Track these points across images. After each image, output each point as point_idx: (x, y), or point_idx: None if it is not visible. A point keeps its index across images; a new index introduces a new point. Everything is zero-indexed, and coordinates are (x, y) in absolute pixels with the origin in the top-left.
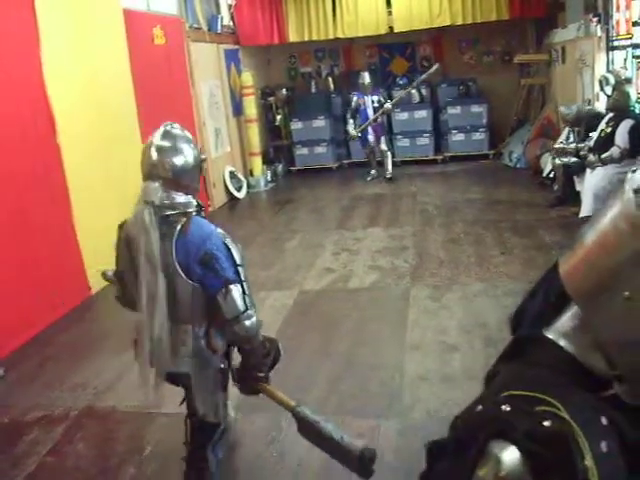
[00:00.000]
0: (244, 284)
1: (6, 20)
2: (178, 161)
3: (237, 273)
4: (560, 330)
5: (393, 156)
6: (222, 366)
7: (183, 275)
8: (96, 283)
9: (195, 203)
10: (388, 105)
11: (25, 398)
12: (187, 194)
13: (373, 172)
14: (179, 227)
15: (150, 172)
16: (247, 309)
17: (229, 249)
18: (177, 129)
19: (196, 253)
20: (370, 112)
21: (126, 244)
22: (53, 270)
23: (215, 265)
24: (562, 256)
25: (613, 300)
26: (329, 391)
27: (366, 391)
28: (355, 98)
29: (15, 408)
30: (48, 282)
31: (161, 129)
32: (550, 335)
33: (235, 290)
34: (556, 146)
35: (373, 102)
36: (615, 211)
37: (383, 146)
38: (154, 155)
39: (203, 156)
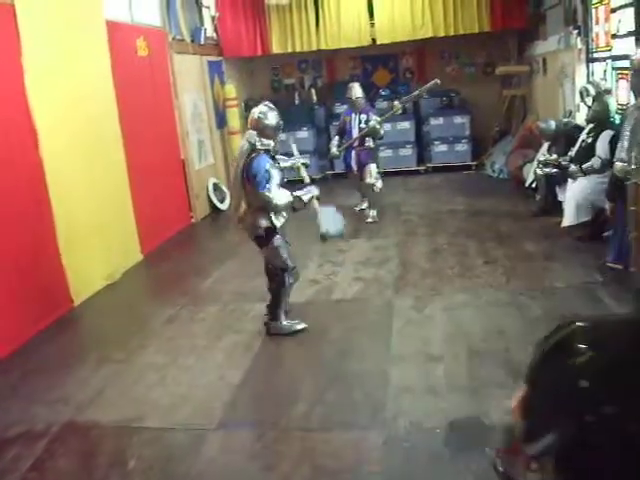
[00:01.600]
0: (273, 189)
1: None
2: (266, 121)
3: (270, 186)
4: None
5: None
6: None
7: (246, 181)
8: (78, 295)
9: (272, 146)
10: (370, 125)
11: (6, 413)
12: (268, 140)
13: (373, 213)
14: (253, 155)
15: (252, 126)
16: (271, 200)
17: (269, 172)
18: (268, 106)
19: (251, 170)
20: (355, 133)
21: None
22: (35, 282)
23: (257, 178)
24: None
25: None
26: (314, 402)
27: (350, 402)
28: (342, 116)
29: None
30: (30, 295)
31: (261, 106)
32: None
33: (267, 192)
34: (539, 158)
35: (360, 122)
36: None
37: (368, 179)
38: (255, 116)
39: (281, 122)
